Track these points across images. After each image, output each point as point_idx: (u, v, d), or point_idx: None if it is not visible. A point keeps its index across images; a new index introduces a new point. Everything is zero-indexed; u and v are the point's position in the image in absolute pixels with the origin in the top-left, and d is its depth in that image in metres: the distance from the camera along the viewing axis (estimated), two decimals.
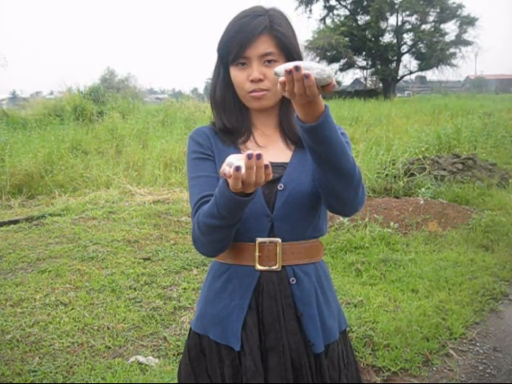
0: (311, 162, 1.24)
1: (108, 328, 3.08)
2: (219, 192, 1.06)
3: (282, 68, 0.98)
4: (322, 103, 1.02)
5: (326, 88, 0.98)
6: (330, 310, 1.29)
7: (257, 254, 1.21)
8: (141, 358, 2.76)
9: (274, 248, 1.21)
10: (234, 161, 0.98)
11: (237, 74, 1.22)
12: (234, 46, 1.20)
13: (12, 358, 2.74)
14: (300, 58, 1.24)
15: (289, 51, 1.22)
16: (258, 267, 1.21)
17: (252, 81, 1.20)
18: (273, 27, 1.20)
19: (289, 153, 1.27)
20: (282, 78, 0.97)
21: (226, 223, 1.10)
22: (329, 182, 1.13)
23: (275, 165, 1.23)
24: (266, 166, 0.96)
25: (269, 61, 1.20)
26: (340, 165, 1.09)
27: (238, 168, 0.94)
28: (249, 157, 0.94)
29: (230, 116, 1.28)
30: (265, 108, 1.26)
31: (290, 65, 0.96)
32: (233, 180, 0.96)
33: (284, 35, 1.21)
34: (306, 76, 0.94)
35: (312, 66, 0.97)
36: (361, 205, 1.21)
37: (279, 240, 1.21)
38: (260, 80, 1.20)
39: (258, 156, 0.94)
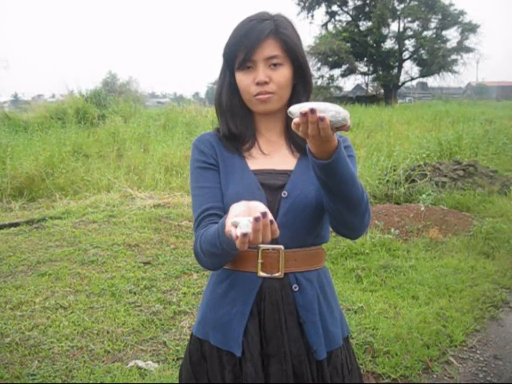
0: None
1: (108, 332, 3.07)
2: (222, 231, 1.04)
3: (297, 108, 0.97)
4: (335, 140, 1.02)
5: (341, 129, 0.98)
6: (333, 316, 1.28)
7: (260, 261, 1.20)
8: (140, 363, 2.75)
9: (277, 256, 1.21)
10: (240, 222, 0.94)
11: (243, 78, 1.22)
12: (240, 50, 1.20)
13: (11, 361, 2.73)
14: (305, 63, 1.25)
15: (295, 55, 1.22)
16: (261, 274, 1.21)
17: (258, 83, 1.20)
18: (278, 30, 1.20)
19: (294, 161, 1.27)
20: (296, 119, 0.97)
21: (227, 253, 1.12)
22: (337, 210, 1.14)
23: (279, 172, 1.24)
24: (271, 222, 0.94)
25: (275, 64, 1.20)
26: (350, 195, 1.10)
27: (245, 235, 0.92)
28: (257, 219, 0.92)
29: (237, 121, 1.28)
30: (271, 111, 1.25)
31: (305, 106, 0.95)
32: (239, 244, 0.93)
33: (290, 38, 1.21)
34: (321, 119, 0.94)
35: (327, 108, 0.96)
36: (366, 229, 1.22)
37: (281, 247, 1.20)
38: (266, 83, 1.20)
39: (264, 214, 0.92)
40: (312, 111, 0.94)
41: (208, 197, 1.22)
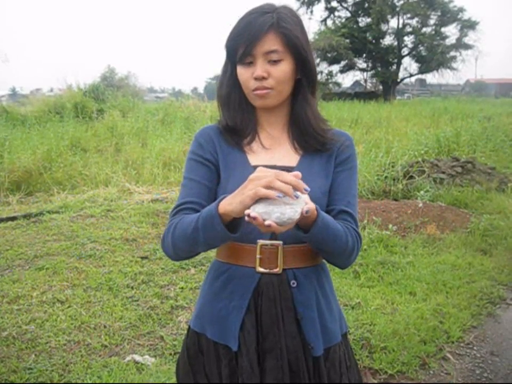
0: (318, 168, 1.24)
1: (105, 327, 3.07)
2: (208, 217, 1.07)
3: (251, 207, 0.99)
4: (311, 215, 1.03)
5: (293, 223, 1.01)
6: (332, 313, 1.28)
7: (258, 256, 1.20)
8: (137, 357, 2.75)
9: (275, 251, 1.20)
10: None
11: (243, 72, 1.21)
12: (240, 44, 1.18)
13: (7, 355, 2.73)
14: (307, 56, 1.22)
15: (296, 49, 1.19)
16: (259, 269, 1.20)
17: (256, 78, 1.19)
18: (279, 24, 1.17)
19: (296, 158, 1.26)
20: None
21: (199, 241, 1.13)
22: (322, 255, 1.24)
23: (280, 169, 1.19)
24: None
25: (275, 60, 1.18)
26: (333, 250, 1.17)
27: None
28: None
29: (234, 114, 1.27)
30: (269, 106, 1.24)
31: (253, 210, 0.98)
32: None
33: (291, 32, 1.18)
34: (266, 223, 0.97)
35: (272, 210, 0.97)
36: (354, 260, 1.27)
37: (280, 243, 1.19)
38: (264, 78, 1.18)
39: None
40: (254, 217, 0.97)
41: (194, 192, 1.23)
